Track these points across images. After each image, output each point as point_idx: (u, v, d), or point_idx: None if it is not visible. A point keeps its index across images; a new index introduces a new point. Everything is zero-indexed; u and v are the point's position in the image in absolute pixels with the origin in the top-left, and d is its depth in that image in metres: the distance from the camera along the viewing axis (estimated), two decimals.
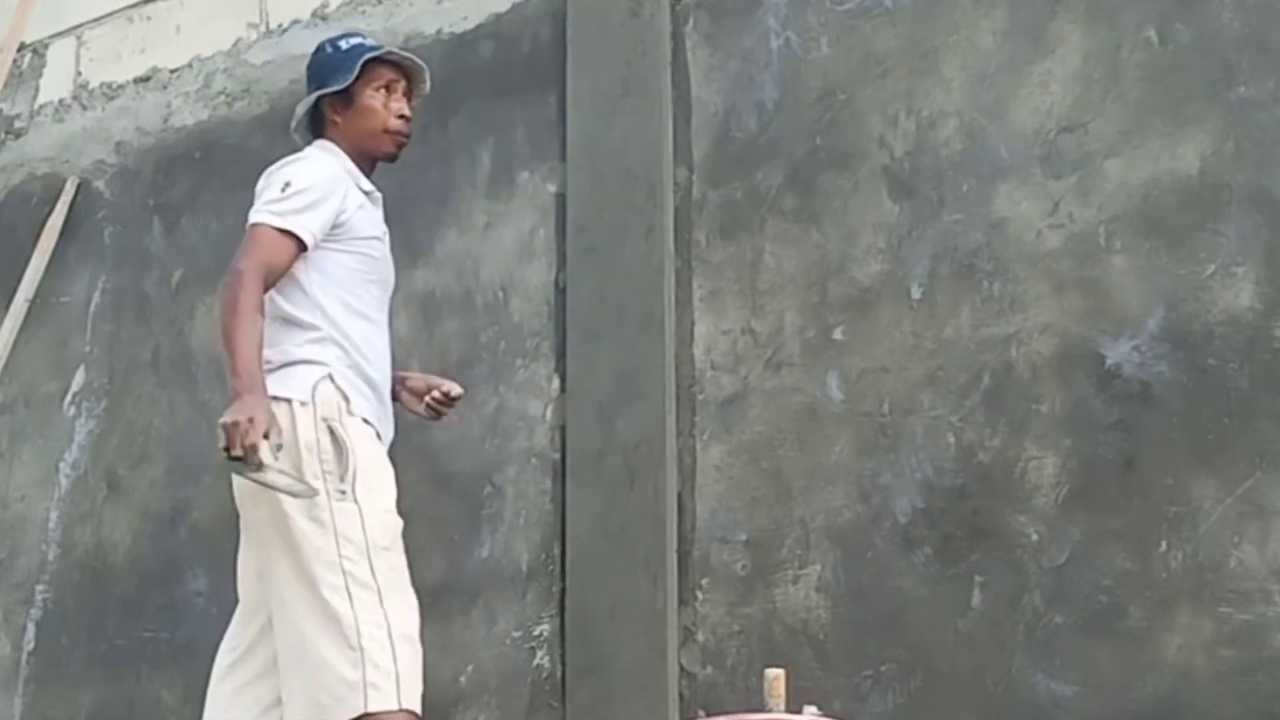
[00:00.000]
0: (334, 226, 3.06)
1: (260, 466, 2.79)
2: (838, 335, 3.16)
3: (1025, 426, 2.91)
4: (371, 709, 2.77)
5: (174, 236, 4.27)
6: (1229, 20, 2.88)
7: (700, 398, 3.27)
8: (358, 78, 3.17)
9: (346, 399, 2.99)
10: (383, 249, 3.19)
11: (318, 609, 2.83)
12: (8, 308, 4.46)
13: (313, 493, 2.84)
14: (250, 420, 2.76)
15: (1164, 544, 2.74)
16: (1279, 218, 2.77)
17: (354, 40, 3.26)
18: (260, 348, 2.89)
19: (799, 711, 2.55)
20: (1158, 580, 2.73)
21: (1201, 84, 2.89)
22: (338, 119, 3.21)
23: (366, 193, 3.18)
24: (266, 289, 2.98)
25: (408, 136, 3.25)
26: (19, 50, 4.85)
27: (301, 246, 3.01)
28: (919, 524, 2.97)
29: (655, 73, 3.46)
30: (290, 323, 3.04)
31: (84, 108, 4.66)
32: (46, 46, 4.82)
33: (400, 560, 2.98)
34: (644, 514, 3.22)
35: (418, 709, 2.86)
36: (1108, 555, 2.78)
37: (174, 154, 4.36)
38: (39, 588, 4.19)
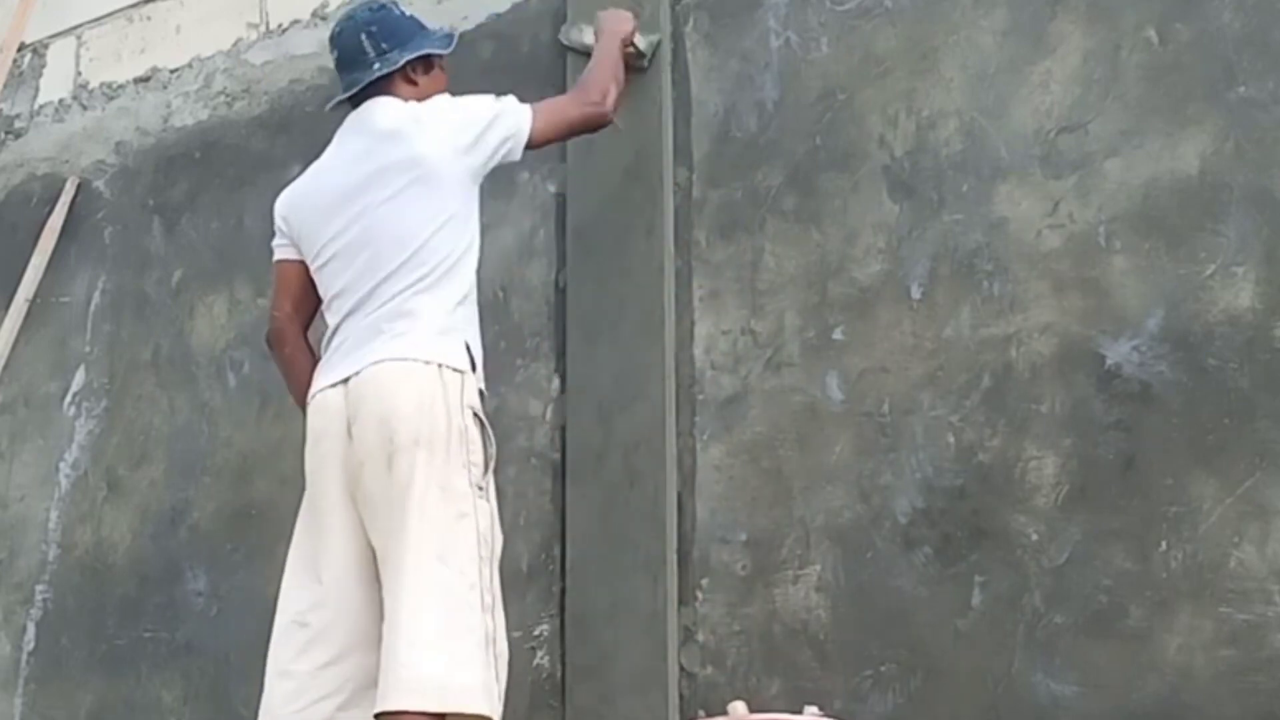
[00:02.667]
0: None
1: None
2: (838, 335, 3.16)
3: (1025, 426, 2.91)
4: (495, 717, 2.69)
5: (174, 236, 4.28)
6: (1229, 20, 2.88)
7: (700, 398, 3.27)
8: None
9: (482, 381, 2.91)
10: None
11: (453, 595, 2.68)
12: (8, 308, 4.47)
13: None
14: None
15: (1164, 544, 2.74)
16: (1279, 218, 2.77)
17: (412, 12, 3.23)
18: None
19: (799, 711, 2.54)
20: (1158, 580, 2.73)
21: (1201, 84, 2.89)
22: (416, 81, 3.11)
23: None
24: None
25: None
26: (19, 50, 4.85)
27: (515, 150, 3.08)
28: (919, 524, 2.97)
29: (655, 73, 3.46)
30: (452, 274, 2.93)
31: (84, 108, 4.66)
32: (46, 46, 4.82)
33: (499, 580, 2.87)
34: (644, 514, 3.22)
35: None
36: (1108, 555, 2.78)
37: (174, 154, 4.36)
38: (39, 588, 4.20)
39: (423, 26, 3.18)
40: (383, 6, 3.16)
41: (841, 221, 3.21)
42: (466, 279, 2.95)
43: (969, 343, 3.01)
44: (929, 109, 3.16)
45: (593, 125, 3.19)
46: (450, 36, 3.22)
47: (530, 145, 3.08)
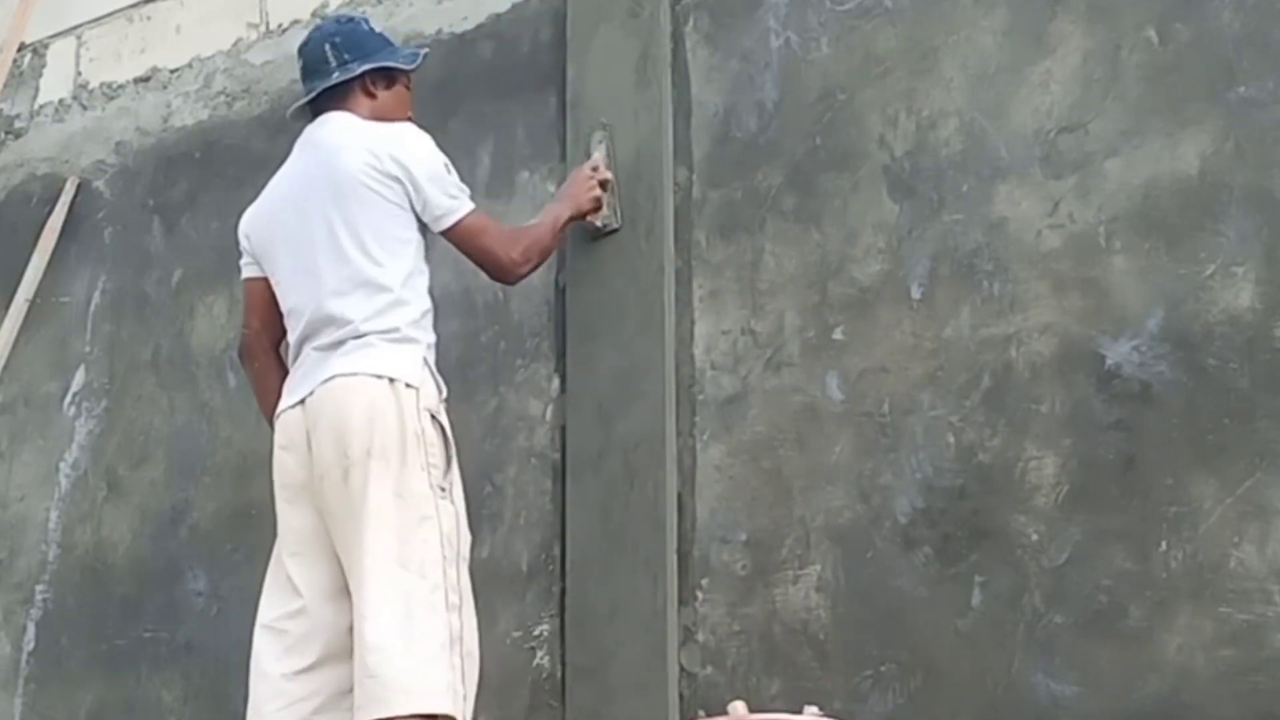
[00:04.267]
0: None
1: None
2: (838, 335, 3.16)
3: (1025, 426, 2.91)
4: (460, 718, 2.73)
5: (174, 236, 4.28)
6: (1229, 20, 2.88)
7: (700, 398, 3.27)
8: None
9: (440, 388, 2.94)
10: None
11: (415, 600, 2.73)
12: (8, 308, 4.47)
13: (615, 223, 3.27)
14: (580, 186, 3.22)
15: (1164, 544, 2.74)
16: (1279, 218, 2.77)
17: (379, 26, 3.25)
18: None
19: (799, 711, 2.54)
20: (1158, 580, 2.73)
21: (1201, 84, 2.89)
22: (375, 94, 3.12)
23: None
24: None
25: None
26: (19, 50, 4.85)
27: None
28: (919, 524, 2.97)
29: (655, 73, 3.46)
30: (401, 301, 2.94)
31: (84, 108, 4.66)
32: (46, 46, 4.82)
33: (468, 577, 2.91)
34: (644, 514, 3.22)
35: None
36: (1108, 555, 2.78)
37: (174, 154, 4.36)
38: (39, 588, 4.20)
39: (389, 43, 3.20)
40: (350, 20, 3.22)
41: (841, 221, 3.21)
42: (419, 295, 2.99)
43: (969, 343, 3.01)
44: (929, 109, 3.16)
45: (496, 276, 3.15)
46: (415, 54, 3.22)
47: (447, 231, 3.04)
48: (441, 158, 3.05)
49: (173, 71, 4.46)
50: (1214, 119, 2.86)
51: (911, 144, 3.16)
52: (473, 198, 3.10)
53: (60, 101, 4.73)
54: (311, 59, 3.15)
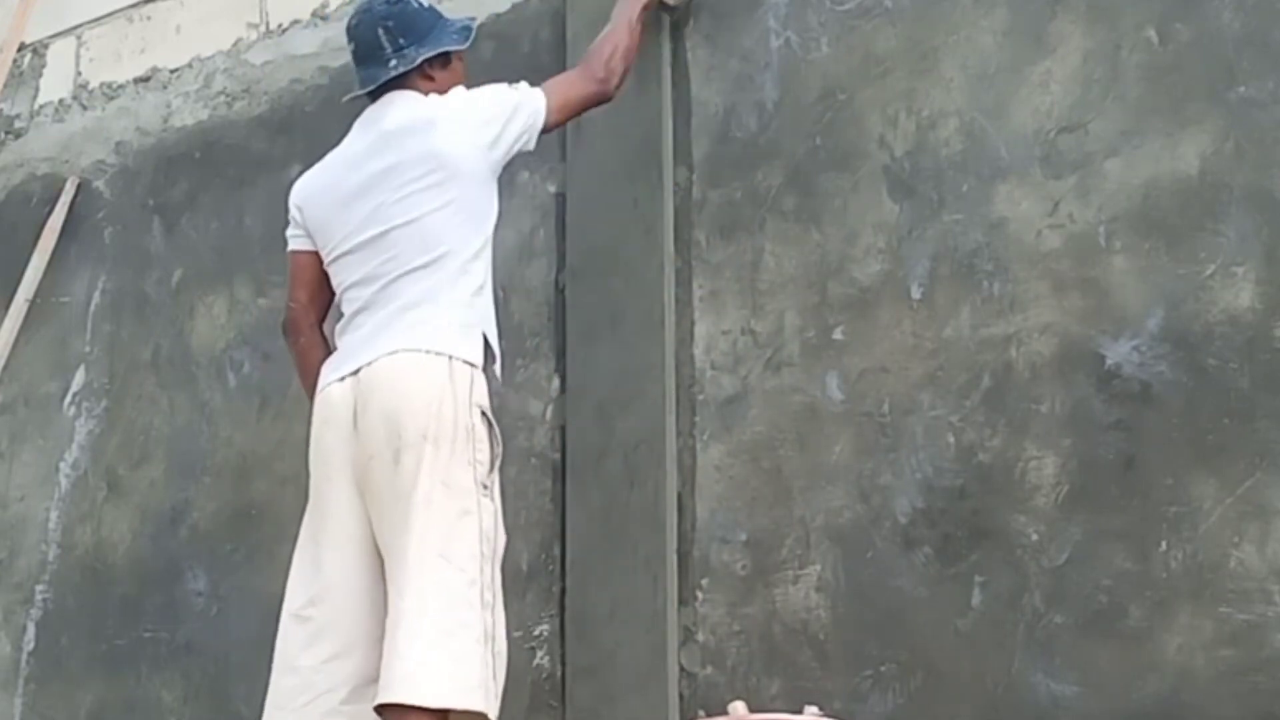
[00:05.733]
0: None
1: None
2: (838, 335, 3.16)
3: (1025, 426, 2.91)
4: (492, 714, 2.69)
5: (174, 236, 4.28)
6: (1229, 20, 2.88)
7: (700, 398, 3.27)
8: None
9: (495, 359, 2.90)
10: None
11: (454, 593, 2.69)
12: (8, 308, 4.47)
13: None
14: None
15: (1164, 544, 2.74)
16: (1279, 218, 2.77)
17: (429, 1, 3.17)
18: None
19: (799, 711, 2.54)
20: (1158, 580, 2.73)
21: (1201, 84, 2.88)
22: (434, 77, 3.07)
23: None
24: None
25: None
26: (19, 50, 4.85)
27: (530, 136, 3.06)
28: (919, 524, 2.97)
29: (655, 73, 3.46)
30: (469, 267, 2.90)
31: (84, 108, 4.66)
32: (46, 46, 4.82)
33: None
34: (644, 514, 3.22)
35: None
36: (1108, 555, 2.78)
37: (174, 154, 4.36)
38: (39, 588, 4.20)
39: (440, 16, 3.14)
40: (404, 2, 3.11)
41: (841, 221, 3.21)
42: (483, 271, 2.94)
43: (969, 343, 3.01)
44: (929, 109, 3.16)
45: (596, 103, 3.17)
46: (468, 29, 3.17)
47: (545, 130, 3.08)
48: (502, 90, 3.04)
49: (173, 71, 4.46)
50: (1214, 119, 2.86)
51: (911, 144, 3.16)
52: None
53: (60, 101, 4.73)
54: (364, 44, 3.08)
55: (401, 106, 3.03)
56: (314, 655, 2.82)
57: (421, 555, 2.70)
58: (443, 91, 3.05)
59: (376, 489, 2.79)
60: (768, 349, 3.23)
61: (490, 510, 2.79)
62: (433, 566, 2.70)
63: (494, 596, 2.77)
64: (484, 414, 2.83)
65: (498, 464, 2.85)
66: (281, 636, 2.88)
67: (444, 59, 3.10)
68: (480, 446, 2.80)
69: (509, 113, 3.01)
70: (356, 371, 2.86)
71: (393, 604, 2.72)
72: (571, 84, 3.14)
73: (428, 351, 2.80)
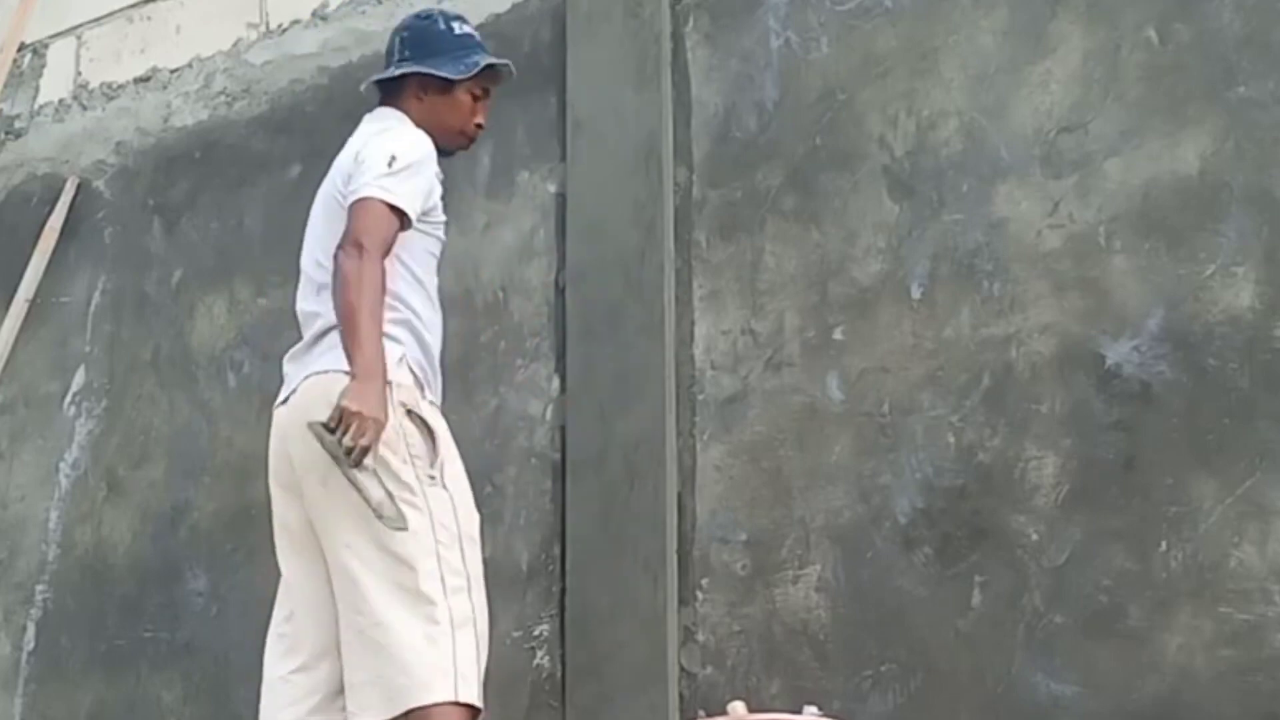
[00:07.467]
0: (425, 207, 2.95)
1: (358, 467, 2.66)
2: (838, 335, 3.16)
3: (1025, 426, 2.91)
4: (461, 698, 2.68)
5: (174, 236, 4.28)
6: (1229, 20, 2.88)
7: (700, 398, 3.27)
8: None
9: (420, 384, 2.90)
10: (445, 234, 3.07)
11: (406, 592, 2.71)
12: (8, 308, 4.47)
13: (401, 524, 2.70)
14: (374, 420, 2.64)
15: (1164, 544, 2.74)
16: (1279, 218, 2.77)
17: (466, 28, 3.09)
18: (382, 327, 2.77)
19: (799, 711, 2.54)
20: (1158, 580, 2.73)
21: (1201, 84, 2.89)
22: (423, 98, 3.02)
23: (438, 174, 3.01)
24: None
25: (471, 143, 3.14)
26: (19, 50, 4.85)
27: (405, 224, 2.86)
28: (919, 524, 2.97)
29: (655, 73, 3.46)
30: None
31: (84, 108, 4.66)
32: (46, 46, 4.82)
33: (479, 557, 2.85)
34: (644, 514, 3.22)
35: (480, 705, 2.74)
36: (1108, 555, 2.78)
37: (174, 154, 4.36)
38: (39, 588, 4.20)
39: (464, 46, 3.05)
40: (428, 17, 3.12)
41: (841, 221, 3.21)
42: (401, 300, 2.90)
43: (969, 343, 3.01)
44: (929, 109, 3.16)
45: (338, 248, 2.88)
46: (473, 64, 3.03)
47: (349, 208, 2.88)
48: (396, 149, 2.88)
49: (173, 71, 4.46)
50: (1214, 119, 2.86)
51: (911, 144, 3.16)
52: (411, 206, 2.85)
53: (60, 101, 4.73)
54: (387, 48, 3.13)
55: (364, 125, 3.04)
56: (285, 666, 2.87)
57: (364, 563, 2.74)
58: (426, 118, 3.00)
59: (312, 506, 2.84)
60: (768, 349, 3.23)
61: (442, 498, 2.79)
62: (379, 570, 2.73)
63: (466, 579, 2.77)
64: (410, 412, 2.83)
65: (440, 451, 2.82)
66: (266, 650, 2.94)
67: (442, 85, 3.02)
68: (414, 442, 2.80)
69: (380, 157, 2.88)
70: (286, 399, 2.92)
71: (342, 613, 2.77)
72: (375, 226, 2.84)
73: (340, 371, 2.79)
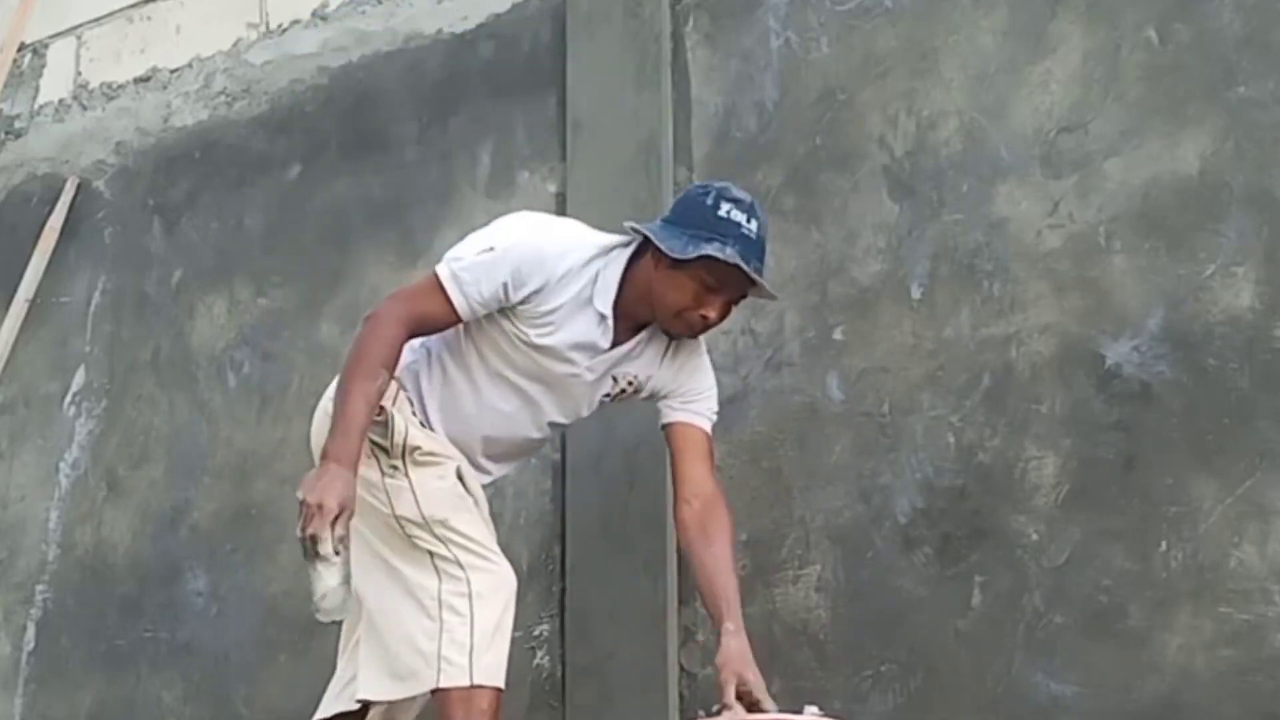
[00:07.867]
0: (515, 301, 2.74)
1: (314, 557, 2.49)
2: (838, 335, 3.16)
3: (1025, 426, 2.91)
4: (443, 684, 2.66)
5: (174, 236, 4.28)
6: (1229, 20, 2.88)
7: None
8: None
9: (403, 386, 2.85)
10: (563, 371, 2.80)
11: (398, 579, 2.73)
12: (8, 308, 4.47)
13: (336, 616, 2.60)
14: (320, 506, 2.52)
15: (1164, 544, 2.74)
16: (1279, 218, 2.77)
17: (736, 214, 2.70)
18: (373, 408, 2.64)
19: (799, 711, 2.54)
20: (1158, 580, 2.73)
21: (1201, 84, 2.89)
22: (656, 265, 2.74)
23: (600, 315, 2.76)
24: (410, 338, 2.75)
25: (697, 334, 2.84)
26: (19, 50, 4.85)
27: (455, 314, 2.74)
28: (919, 524, 2.97)
29: (655, 73, 3.46)
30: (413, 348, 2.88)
31: (84, 108, 4.66)
32: (46, 46, 4.82)
33: (472, 526, 2.76)
34: (644, 514, 3.22)
35: (497, 682, 2.66)
36: (1108, 555, 2.78)
37: (174, 154, 4.36)
38: (39, 588, 4.19)
39: (709, 223, 2.70)
40: (704, 188, 2.82)
41: (841, 221, 3.21)
42: (421, 356, 2.88)
43: (969, 343, 3.01)
44: (929, 109, 3.16)
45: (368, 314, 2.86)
46: (693, 247, 2.68)
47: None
48: (497, 241, 2.78)
49: (173, 71, 4.46)
50: (1214, 119, 2.86)
51: (911, 144, 3.16)
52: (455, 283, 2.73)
53: (60, 101, 4.73)
54: None
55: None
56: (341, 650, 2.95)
57: (357, 558, 2.72)
58: (646, 286, 2.77)
59: None
60: (768, 349, 3.23)
61: (402, 487, 2.75)
62: (368, 563, 2.75)
63: (457, 558, 2.71)
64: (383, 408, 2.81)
65: (398, 441, 2.76)
66: None
67: (670, 259, 2.73)
68: (375, 437, 2.77)
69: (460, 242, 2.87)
70: None
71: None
72: (398, 301, 2.81)
73: (326, 394, 2.87)
